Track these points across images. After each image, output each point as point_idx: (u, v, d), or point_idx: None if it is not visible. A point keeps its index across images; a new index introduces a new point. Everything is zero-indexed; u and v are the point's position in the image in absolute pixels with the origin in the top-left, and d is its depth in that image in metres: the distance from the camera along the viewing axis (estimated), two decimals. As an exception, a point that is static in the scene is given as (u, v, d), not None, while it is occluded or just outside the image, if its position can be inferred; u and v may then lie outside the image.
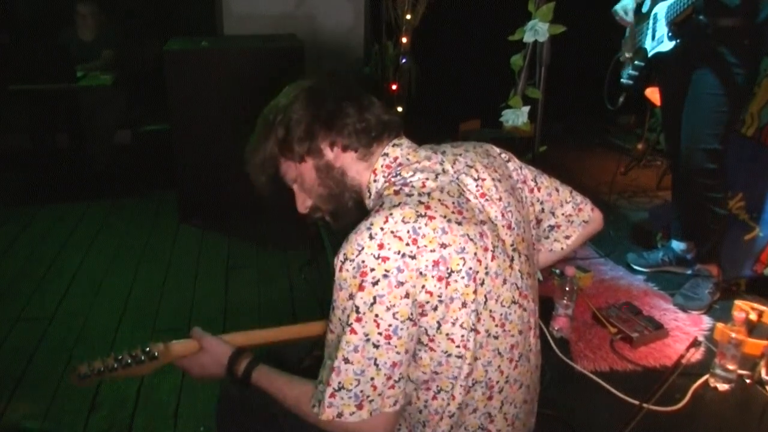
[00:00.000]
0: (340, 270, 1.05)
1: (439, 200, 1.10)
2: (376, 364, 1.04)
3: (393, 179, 1.17)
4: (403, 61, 4.25)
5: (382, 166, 1.20)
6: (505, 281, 1.14)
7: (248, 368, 1.24)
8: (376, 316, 1.03)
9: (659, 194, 3.65)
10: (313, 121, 1.19)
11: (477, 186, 1.19)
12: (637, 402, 1.90)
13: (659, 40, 2.30)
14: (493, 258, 1.11)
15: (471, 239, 1.08)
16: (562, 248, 1.45)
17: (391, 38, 4.37)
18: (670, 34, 2.23)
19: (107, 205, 3.86)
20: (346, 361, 1.04)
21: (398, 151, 1.21)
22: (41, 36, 4.37)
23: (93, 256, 3.22)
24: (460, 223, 1.08)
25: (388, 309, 1.03)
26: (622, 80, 2.59)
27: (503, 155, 1.34)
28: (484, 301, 1.10)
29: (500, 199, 1.20)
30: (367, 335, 1.03)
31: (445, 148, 1.26)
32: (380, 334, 1.03)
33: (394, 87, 4.34)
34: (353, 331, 1.03)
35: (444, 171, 1.19)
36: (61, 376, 2.27)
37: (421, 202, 1.09)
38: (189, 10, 4.97)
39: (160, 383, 2.23)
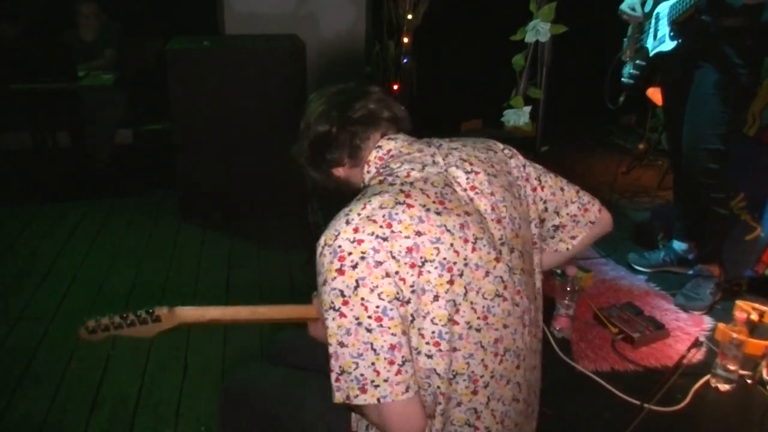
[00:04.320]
0: (320, 255, 1.08)
1: (421, 189, 1.13)
2: (373, 349, 1.03)
3: (382, 170, 1.22)
4: (405, 60, 4.26)
5: (375, 158, 1.26)
6: (487, 273, 1.13)
7: None
8: (362, 299, 1.03)
9: (661, 194, 3.65)
10: (305, 151, 1.32)
11: (468, 179, 1.20)
12: (638, 402, 1.90)
13: (661, 40, 2.30)
14: (474, 250, 1.11)
15: (448, 230, 1.09)
16: (567, 248, 1.43)
17: (393, 38, 4.37)
18: (672, 33, 2.23)
19: (108, 204, 3.86)
20: (341, 344, 1.04)
21: (392, 144, 1.26)
22: (43, 35, 4.37)
23: (94, 256, 3.22)
24: (439, 213, 1.10)
25: (372, 291, 1.03)
26: (622, 79, 2.59)
27: (506, 151, 1.34)
28: (464, 292, 1.10)
29: (492, 194, 1.20)
30: (357, 318, 1.03)
31: (442, 142, 1.28)
32: (370, 317, 1.03)
33: (395, 87, 4.34)
34: (342, 315, 1.03)
35: (434, 162, 1.21)
36: (62, 375, 2.27)
37: (401, 191, 1.12)
38: (190, 10, 4.97)
39: (162, 382, 2.24)
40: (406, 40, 4.19)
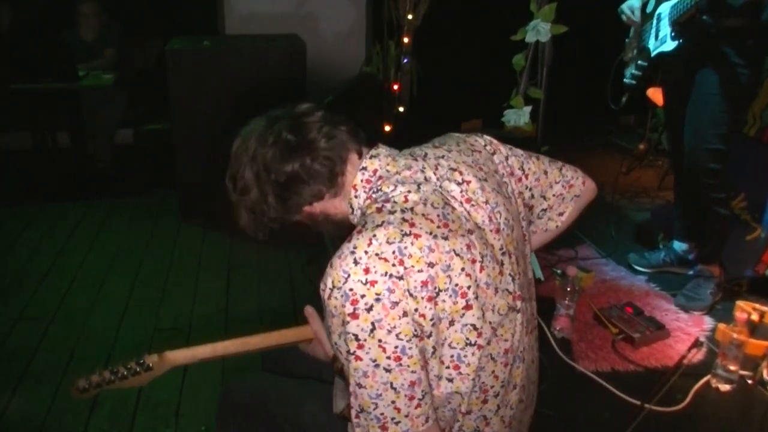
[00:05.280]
0: (329, 298, 1.02)
1: (424, 215, 1.07)
2: (393, 388, 1.01)
3: (374, 195, 1.14)
4: (405, 60, 4.25)
5: (361, 181, 1.16)
6: (496, 290, 1.12)
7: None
8: (380, 341, 1.00)
9: (661, 194, 3.64)
10: (267, 198, 1.17)
11: (461, 191, 1.15)
12: (638, 402, 1.89)
13: (662, 40, 2.30)
14: (482, 269, 1.09)
15: (458, 254, 1.05)
16: (557, 226, 1.43)
17: (393, 38, 4.37)
18: (673, 34, 2.22)
19: (108, 204, 3.86)
20: (359, 386, 1.02)
21: (376, 162, 1.17)
22: (43, 35, 4.37)
23: (94, 256, 3.22)
24: (446, 238, 1.05)
25: (389, 332, 1.00)
26: (625, 80, 2.59)
27: (488, 147, 1.30)
28: (482, 314, 1.08)
29: (486, 202, 1.16)
30: (374, 360, 1.01)
31: (427, 151, 1.22)
32: (389, 358, 1.00)
33: (395, 87, 4.34)
34: (358, 358, 1.01)
35: (426, 179, 1.14)
36: (62, 374, 2.27)
37: (404, 220, 1.05)
38: (190, 10, 4.98)
39: (162, 382, 2.22)
40: (406, 40, 4.19)
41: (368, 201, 1.14)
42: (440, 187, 1.14)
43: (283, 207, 1.19)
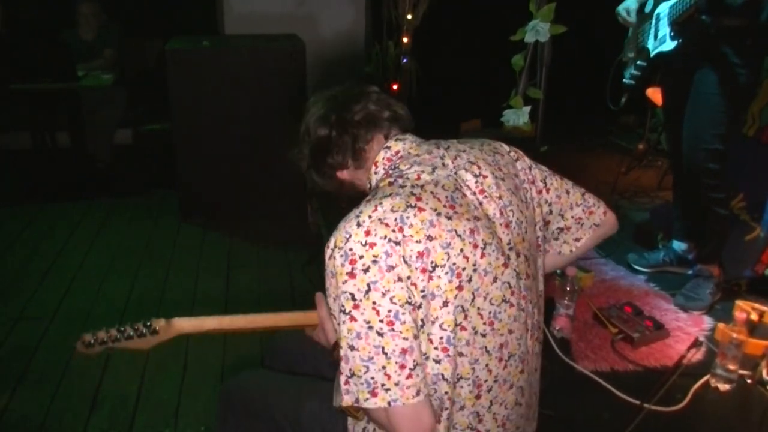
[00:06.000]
0: (330, 258, 1.07)
1: (432, 193, 1.11)
2: (384, 353, 1.02)
3: (391, 171, 1.20)
4: (404, 60, 4.26)
5: (383, 158, 1.24)
6: (495, 279, 1.13)
7: None
8: (374, 303, 1.02)
9: (660, 194, 3.64)
10: (305, 155, 1.32)
11: (477, 182, 1.19)
12: (637, 402, 1.90)
13: (661, 40, 2.30)
14: (482, 255, 1.11)
15: (458, 235, 1.08)
16: (571, 251, 1.43)
17: (392, 38, 4.37)
18: (672, 33, 2.23)
19: (108, 204, 3.87)
20: (352, 348, 1.04)
21: (400, 145, 1.25)
22: (43, 35, 4.37)
23: (94, 255, 3.22)
24: (450, 218, 1.09)
25: (383, 295, 1.02)
26: (624, 80, 2.59)
27: (512, 154, 1.33)
28: (472, 298, 1.10)
29: (500, 198, 1.19)
30: (368, 322, 1.03)
31: (450, 144, 1.27)
32: (382, 321, 1.02)
33: (395, 87, 4.34)
34: (353, 319, 1.03)
35: (443, 165, 1.19)
36: (62, 374, 2.27)
37: (412, 194, 1.10)
38: (190, 10, 4.98)
39: (162, 382, 2.24)
40: (405, 40, 4.20)
41: (384, 176, 1.21)
42: (455, 174, 1.19)
43: (316, 168, 1.31)
